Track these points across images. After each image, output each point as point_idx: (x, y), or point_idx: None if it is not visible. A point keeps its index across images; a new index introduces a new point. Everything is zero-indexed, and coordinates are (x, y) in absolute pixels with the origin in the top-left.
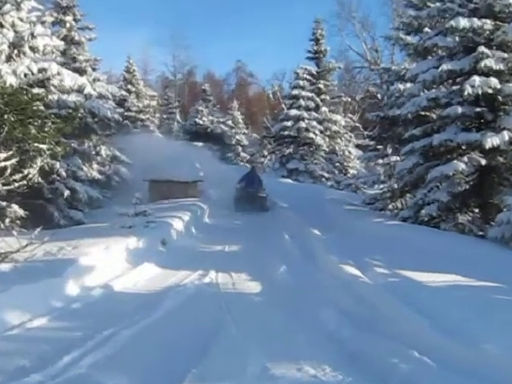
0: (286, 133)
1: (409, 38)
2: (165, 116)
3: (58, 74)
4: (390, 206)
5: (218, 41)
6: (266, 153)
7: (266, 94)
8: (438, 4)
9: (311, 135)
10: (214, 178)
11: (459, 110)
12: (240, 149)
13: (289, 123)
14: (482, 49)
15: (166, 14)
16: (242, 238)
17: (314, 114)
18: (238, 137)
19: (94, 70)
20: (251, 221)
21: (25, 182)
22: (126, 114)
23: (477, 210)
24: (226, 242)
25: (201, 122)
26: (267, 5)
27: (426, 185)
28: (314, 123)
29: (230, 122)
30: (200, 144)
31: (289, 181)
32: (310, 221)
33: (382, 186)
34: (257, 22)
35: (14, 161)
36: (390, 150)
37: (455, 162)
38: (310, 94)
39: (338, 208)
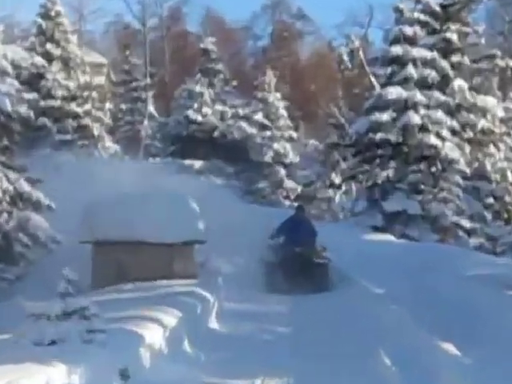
0: (380, 136)
1: None
2: (124, 107)
3: None
4: None
5: None
6: (336, 179)
7: (334, 56)
8: None
9: (433, 140)
10: (227, 235)
11: None
12: (282, 172)
13: (385, 116)
14: None
15: None
16: (289, 364)
17: (437, 94)
18: (276, 146)
19: None
20: (305, 320)
21: None
22: (42, 104)
23: None
24: (255, 371)
25: (199, 119)
26: None
27: None
28: (439, 114)
29: (259, 117)
30: (198, 164)
31: (388, 238)
32: (433, 324)
33: None
34: None
35: None
36: None
37: None
38: (428, 54)
39: (494, 294)
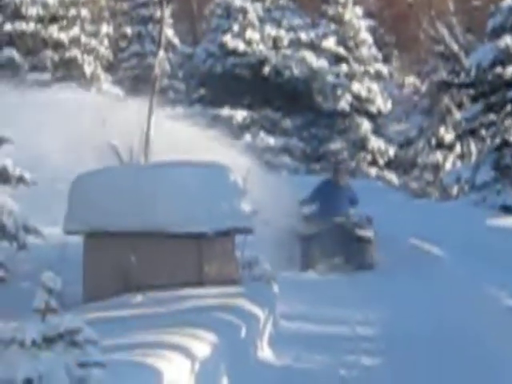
0: None
1: None
2: (129, 31)
3: None
4: None
5: None
6: (447, 136)
7: None
8: None
9: None
10: (284, 222)
11: None
12: (367, 125)
13: None
14: None
15: None
16: None
17: None
18: (357, 87)
19: None
20: (406, 344)
21: None
22: (8, 28)
23: None
24: None
25: (241, 47)
26: None
27: None
28: None
29: (330, 44)
30: (241, 115)
31: None
32: None
33: None
34: None
35: None
36: None
37: None
38: None
39: None
